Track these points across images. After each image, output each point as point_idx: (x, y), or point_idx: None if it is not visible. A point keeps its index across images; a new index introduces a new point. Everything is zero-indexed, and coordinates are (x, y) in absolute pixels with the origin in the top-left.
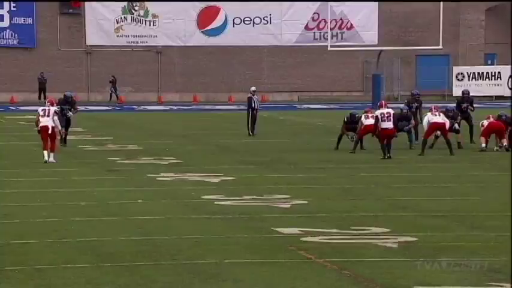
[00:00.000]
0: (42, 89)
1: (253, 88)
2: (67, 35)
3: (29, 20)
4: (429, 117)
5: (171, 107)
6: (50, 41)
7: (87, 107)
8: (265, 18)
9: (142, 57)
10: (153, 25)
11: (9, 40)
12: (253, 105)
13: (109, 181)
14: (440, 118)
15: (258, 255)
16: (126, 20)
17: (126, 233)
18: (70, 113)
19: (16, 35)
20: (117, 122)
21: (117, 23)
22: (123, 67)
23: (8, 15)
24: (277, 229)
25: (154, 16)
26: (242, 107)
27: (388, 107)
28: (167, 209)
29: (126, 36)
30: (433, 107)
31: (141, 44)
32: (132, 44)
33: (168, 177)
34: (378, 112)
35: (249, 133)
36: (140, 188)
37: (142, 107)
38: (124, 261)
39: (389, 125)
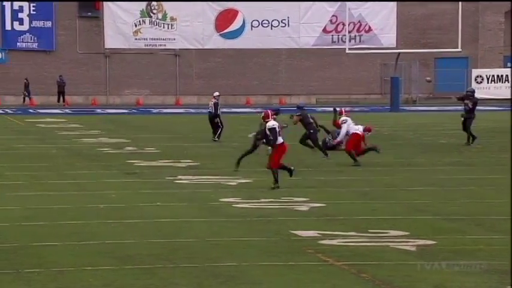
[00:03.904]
0: (61, 92)
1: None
2: (86, 38)
3: (48, 24)
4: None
5: (189, 109)
6: (69, 44)
7: (105, 109)
8: (283, 21)
9: (160, 60)
10: (171, 28)
11: (29, 43)
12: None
13: (127, 184)
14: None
15: (276, 258)
16: (145, 23)
17: (145, 236)
18: None
19: (35, 38)
20: (135, 124)
21: (136, 26)
22: (141, 70)
23: (28, 18)
24: (295, 232)
25: (172, 19)
26: (259, 109)
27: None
28: (185, 211)
29: (145, 39)
30: (343, 110)
31: (159, 47)
32: (151, 47)
33: (185, 180)
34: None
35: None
36: (158, 190)
37: (160, 110)
38: (143, 263)
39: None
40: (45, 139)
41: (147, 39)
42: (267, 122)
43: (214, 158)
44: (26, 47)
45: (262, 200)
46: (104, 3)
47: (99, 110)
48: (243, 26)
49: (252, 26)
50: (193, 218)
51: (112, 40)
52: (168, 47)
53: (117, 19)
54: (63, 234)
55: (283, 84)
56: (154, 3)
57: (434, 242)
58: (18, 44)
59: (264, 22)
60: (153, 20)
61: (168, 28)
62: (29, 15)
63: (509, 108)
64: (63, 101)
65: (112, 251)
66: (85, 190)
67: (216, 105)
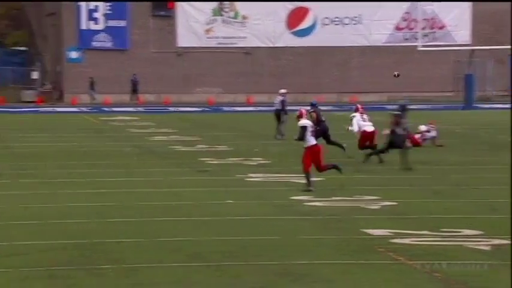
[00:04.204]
0: (134, 90)
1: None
2: (159, 37)
3: (123, 23)
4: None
5: (260, 107)
6: (143, 43)
7: (177, 108)
8: (355, 19)
9: (231, 59)
10: (243, 26)
11: (104, 43)
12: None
13: (199, 181)
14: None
15: (347, 256)
16: (216, 21)
17: (215, 233)
18: None
19: (110, 37)
20: (206, 122)
21: (208, 24)
22: (213, 68)
23: (103, 18)
24: (366, 230)
25: (244, 17)
26: (330, 107)
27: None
28: (256, 209)
29: (216, 37)
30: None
31: (231, 45)
32: (222, 46)
33: (256, 177)
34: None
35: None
36: (229, 188)
37: (231, 108)
38: (213, 261)
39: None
40: (118, 137)
41: (218, 37)
42: (300, 120)
43: (285, 155)
44: (101, 46)
45: (334, 198)
46: (177, 2)
47: (171, 108)
48: (314, 24)
49: (323, 23)
50: (263, 216)
51: (184, 39)
52: (239, 45)
53: (189, 18)
54: (135, 231)
55: (355, 82)
56: (226, 2)
57: (510, 242)
58: (93, 43)
59: (335, 20)
60: (225, 18)
61: (239, 26)
62: (104, 14)
63: None
64: (137, 99)
65: (182, 248)
66: (156, 187)
67: (283, 102)
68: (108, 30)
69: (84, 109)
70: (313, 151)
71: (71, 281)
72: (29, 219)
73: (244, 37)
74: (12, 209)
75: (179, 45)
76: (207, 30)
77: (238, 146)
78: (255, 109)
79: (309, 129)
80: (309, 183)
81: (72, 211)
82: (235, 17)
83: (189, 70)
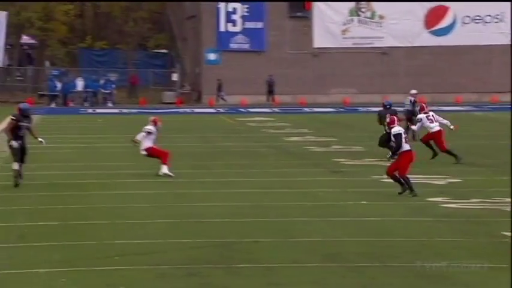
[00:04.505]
0: (270, 91)
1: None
2: (295, 38)
3: (260, 24)
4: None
5: (396, 108)
6: (279, 44)
7: (312, 108)
8: (497, 17)
9: (367, 59)
10: (380, 26)
11: (241, 44)
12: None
13: (333, 182)
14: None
15: (486, 260)
16: (353, 21)
17: (350, 234)
18: (40, 139)
19: (248, 39)
20: (341, 123)
21: (344, 25)
22: (348, 69)
23: (241, 20)
24: (507, 233)
25: (380, 17)
26: (469, 107)
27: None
28: (391, 210)
29: (352, 38)
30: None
31: (367, 46)
32: (358, 46)
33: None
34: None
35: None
36: (364, 189)
37: (366, 109)
38: (349, 261)
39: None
40: (254, 137)
41: (355, 37)
42: (392, 127)
43: (421, 156)
44: (238, 47)
45: (472, 200)
46: (314, 3)
47: (306, 109)
48: (453, 23)
49: (463, 22)
50: (399, 217)
51: (320, 39)
52: (375, 45)
53: (326, 18)
54: (270, 230)
55: (495, 82)
56: (363, 2)
57: None
58: (231, 45)
59: (476, 18)
60: (362, 18)
61: (376, 26)
62: (242, 16)
63: None
64: (272, 100)
65: (318, 249)
66: (291, 188)
67: (413, 103)
68: (245, 32)
69: (221, 110)
70: (410, 157)
71: (208, 279)
72: (165, 218)
73: (381, 37)
74: (150, 207)
75: (315, 46)
76: (344, 31)
77: (373, 146)
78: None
79: (403, 135)
80: (409, 186)
81: (208, 211)
82: (371, 17)
83: (324, 71)
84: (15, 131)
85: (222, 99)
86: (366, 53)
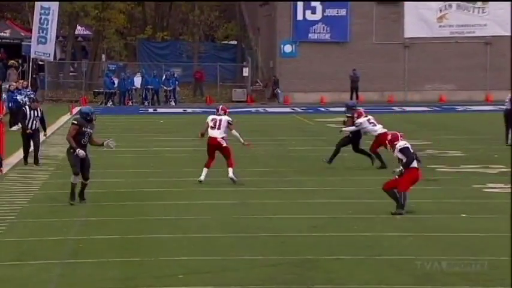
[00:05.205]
0: (354, 88)
1: None
2: (383, 27)
3: (343, 12)
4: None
5: (501, 106)
6: (364, 34)
7: (403, 107)
8: None
9: (467, 50)
10: (482, 12)
11: (321, 34)
12: None
13: (427, 192)
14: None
15: None
16: (451, 7)
17: (448, 251)
18: (112, 142)
19: (329, 28)
20: (436, 124)
21: (441, 11)
22: (445, 62)
23: (321, 7)
24: None
25: (483, 2)
26: None
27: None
28: (495, 225)
29: (450, 26)
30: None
31: (467, 35)
32: (456, 35)
33: (497, 188)
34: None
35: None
36: (463, 200)
37: (466, 108)
38: (446, 284)
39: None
40: (334, 140)
41: (452, 26)
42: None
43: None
44: (318, 38)
45: None
46: None
47: (395, 108)
48: None
49: None
50: (505, 233)
51: (412, 28)
52: (477, 34)
53: (419, 4)
54: (354, 246)
55: None
56: None
57: None
58: (309, 35)
59: None
60: (461, 3)
61: (478, 13)
62: (322, 3)
63: None
64: (357, 98)
65: (409, 268)
66: (378, 198)
67: None
68: (326, 20)
69: (298, 109)
70: (416, 175)
71: None
72: (234, 232)
73: (484, 24)
74: (217, 220)
75: (406, 36)
76: (440, 18)
77: (474, 151)
78: (494, 108)
79: (411, 150)
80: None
81: (282, 224)
82: (473, 2)
83: (417, 64)
84: (77, 138)
85: (276, 96)
86: (465, 44)
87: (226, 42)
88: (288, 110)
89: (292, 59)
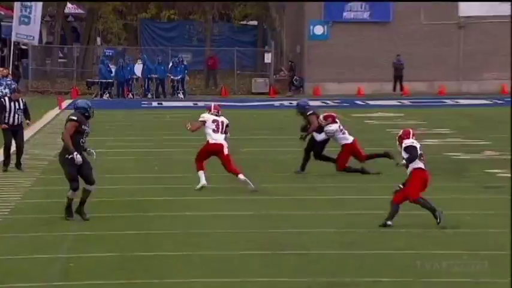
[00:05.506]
0: (398, 77)
1: None
2: (433, 5)
3: None
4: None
5: None
6: (410, 13)
7: (457, 100)
8: None
9: None
10: None
11: (359, 13)
12: None
13: (486, 201)
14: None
15: None
16: None
17: (507, 274)
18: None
19: (368, 6)
20: (497, 120)
21: None
22: (507, 45)
23: None
24: None
25: None
26: None
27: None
28: None
29: None
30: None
31: None
32: None
33: None
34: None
35: None
36: None
37: None
38: None
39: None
40: (374, 140)
41: None
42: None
43: None
44: (354, 17)
45: None
46: None
47: (448, 101)
48: None
49: None
50: None
51: (469, 5)
52: None
53: None
54: (395, 266)
55: None
56: None
57: None
58: (344, 14)
59: None
60: None
61: None
62: None
63: None
64: (401, 89)
65: None
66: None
67: None
68: None
69: (330, 102)
70: (424, 177)
71: None
72: (254, 249)
73: None
74: (233, 234)
75: (461, 15)
76: None
77: None
78: None
79: (418, 150)
80: (433, 210)
81: (311, 239)
82: None
83: (474, 48)
84: (75, 139)
85: (294, 85)
86: None
87: (244, 22)
88: (317, 103)
89: (324, 43)
